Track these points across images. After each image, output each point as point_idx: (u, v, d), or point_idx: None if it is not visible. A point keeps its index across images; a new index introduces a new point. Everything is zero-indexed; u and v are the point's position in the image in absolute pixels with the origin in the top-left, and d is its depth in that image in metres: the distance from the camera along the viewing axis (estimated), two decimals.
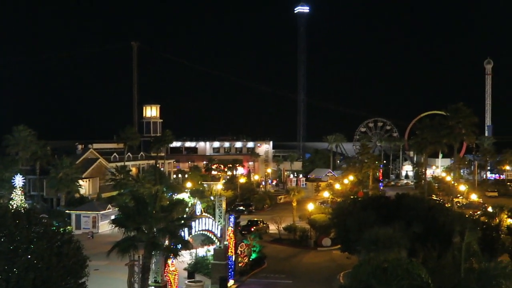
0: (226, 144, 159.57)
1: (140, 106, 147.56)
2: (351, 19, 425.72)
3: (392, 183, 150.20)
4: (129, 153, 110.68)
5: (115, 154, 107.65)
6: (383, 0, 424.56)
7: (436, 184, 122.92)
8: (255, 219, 77.85)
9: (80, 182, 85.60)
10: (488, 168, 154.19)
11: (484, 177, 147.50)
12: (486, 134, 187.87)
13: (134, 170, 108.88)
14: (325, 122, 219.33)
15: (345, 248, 49.75)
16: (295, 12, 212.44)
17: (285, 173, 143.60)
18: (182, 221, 36.69)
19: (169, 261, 36.87)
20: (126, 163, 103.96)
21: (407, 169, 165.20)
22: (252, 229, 69.82)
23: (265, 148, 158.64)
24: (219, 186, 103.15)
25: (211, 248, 49.48)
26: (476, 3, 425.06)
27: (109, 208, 74.18)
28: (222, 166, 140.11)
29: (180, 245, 35.66)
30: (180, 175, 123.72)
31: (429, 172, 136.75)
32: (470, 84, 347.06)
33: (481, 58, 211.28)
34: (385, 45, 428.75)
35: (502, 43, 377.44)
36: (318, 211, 73.08)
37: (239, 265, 49.85)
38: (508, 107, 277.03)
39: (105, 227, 70.03)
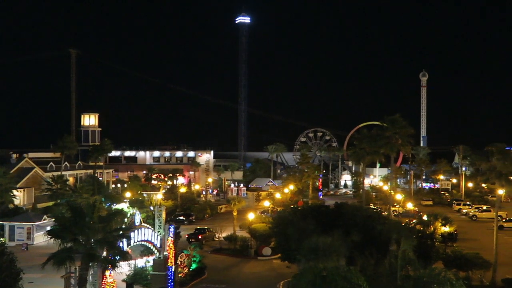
0: (167, 154, 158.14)
1: (78, 114, 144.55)
2: (293, 30, 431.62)
3: (332, 192, 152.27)
4: (66, 162, 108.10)
5: (51, 163, 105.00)
6: (324, 12, 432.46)
7: (373, 193, 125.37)
8: (204, 227, 78.20)
9: (15, 192, 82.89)
10: (423, 177, 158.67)
11: (420, 186, 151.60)
12: (422, 145, 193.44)
13: (71, 179, 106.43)
14: (266, 132, 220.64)
15: (285, 257, 49.98)
16: (236, 22, 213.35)
17: (226, 183, 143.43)
18: (121, 232, 36.13)
19: (107, 273, 36.15)
20: (63, 173, 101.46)
21: (346, 178, 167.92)
22: (200, 237, 70.50)
23: (206, 157, 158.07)
24: (159, 195, 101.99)
25: (151, 258, 48.81)
26: (414, 16, 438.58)
27: (44, 219, 72.15)
28: (162, 175, 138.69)
29: (118, 256, 35.04)
30: (119, 185, 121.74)
31: (367, 182, 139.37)
32: (407, 95, 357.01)
33: (417, 70, 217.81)
34: (325, 56, 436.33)
35: (437, 55, 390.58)
36: (258, 220, 73.30)
37: (179, 275, 49.33)
38: (442, 119, 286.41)
39: (40, 238, 67.99)
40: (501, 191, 62.06)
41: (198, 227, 77.33)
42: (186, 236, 71.24)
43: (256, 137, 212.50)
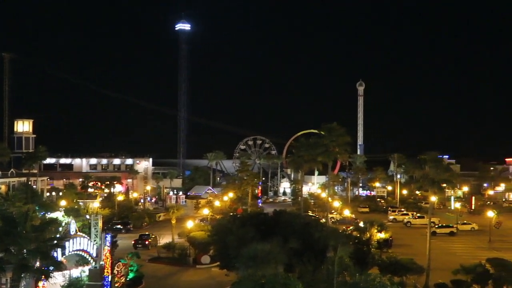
0: (104, 161, 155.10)
1: (11, 120, 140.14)
2: (234, 37, 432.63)
3: (271, 199, 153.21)
4: None
5: None
6: (265, 20, 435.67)
7: (312, 201, 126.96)
8: (146, 233, 78.90)
9: None
10: (360, 185, 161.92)
11: (357, 193, 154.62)
12: (358, 153, 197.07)
13: (3, 188, 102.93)
14: (206, 140, 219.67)
15: (224, 265, 49.81)
16: (176, 29, 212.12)
17: (165, 191, 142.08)
18: (55, 241, 35.21)
19: (40, 284, 35.09)
20: None
21: (285, 186, 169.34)
22: (147, 242, 72.20)
23: (144, 165, 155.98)
24: (95, 204, 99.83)
25: (86, 268, 47.68)
26: (352, 25, 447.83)
27: None
28: (99, 183, 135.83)
29: (52, 266, 34.08)
30: (54, 193, 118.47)
31: (305, 189, 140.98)
32: (345, 104, 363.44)
33: (355, 80, 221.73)
34: (265, 63, 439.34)
35: (374, 65, 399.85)
36: (197, 228, 72.94)
37: (116, 285, 48.37)
38: (379, 127, 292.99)
39: None
40: (433, 198, 64.09)
41: (143, 233, 77.92)
42: (133, 242, 71.91)
43: (196, 144, 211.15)
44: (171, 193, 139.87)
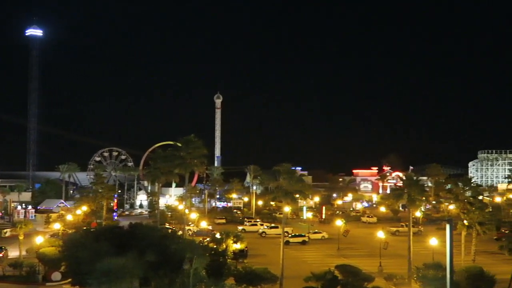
0: None
1: None
2: (89, 45, 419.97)
3: (127, 212, 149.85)
4: None
5: None
6: (119, 29, 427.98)
7: (169, 213, 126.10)
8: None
9: None
10: (217, 196, 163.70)
11: (214, 205, 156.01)
12: (216, 165, 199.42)
13: None
14: (59, 151, 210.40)
15: (76, 281, 47.70)
16: (27, 35, 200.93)
17: (12, 205, 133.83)
18: None
19: None
20: None
21: (142, 198, 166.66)
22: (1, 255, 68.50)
23: None
24: None
25: None
26: (213, 37, 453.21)
27: None
28: None
29: None
30: None
31: (162, 201, 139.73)
32: (204, 116, 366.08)
33: (213, 92, 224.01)
34: (122, 73, 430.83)
35: (232, 78, 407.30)
36: (48, 244, 69.43)
37: None
38: (235, 139, 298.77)
39: None
40: (287, 208, 66.25)
41: None
42: None
43: (48, 156, 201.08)
44: (19, 207, 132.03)
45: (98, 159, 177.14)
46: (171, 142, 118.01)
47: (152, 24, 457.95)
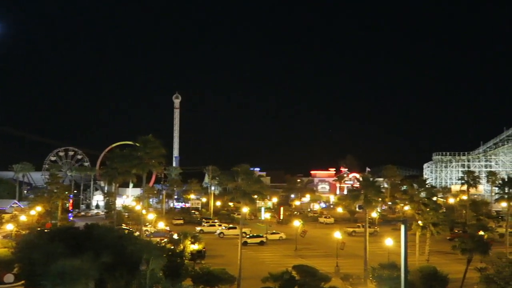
0: None
1: None
2: (44, 43, 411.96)
3: (83, 213, 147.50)
4: None
5: None
6: (76, 30, 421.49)
7: (126, 213, 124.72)
8: None
9: None
10: (175, 197, 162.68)
11: (172, 205, 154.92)
12: (174, 165, 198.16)
13: None
14: (13, 151, 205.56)
15: (29, 283, 46.85)
16: None
17: None
18: None
19: None
20: None
21: (98, 199, 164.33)
22: None
23: None
24: None
25: None
26: (170, 38, 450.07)
27: None
28: None
29: None
30: None
31: (120, 202, 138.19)
32: (163, 116, 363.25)
33: (173, 92, 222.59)
34: (82, 71, 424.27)
35: (189, 78, 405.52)
36: (0, 245, 67.81)
37: None
38: (194, 139, 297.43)
39: None
40: (245, 209, 66.34)
41: None
42: None
43: (1, 155, 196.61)
44: None
45: (53, 158, 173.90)
46: (129, 142, 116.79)
47: (109, 24, 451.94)
